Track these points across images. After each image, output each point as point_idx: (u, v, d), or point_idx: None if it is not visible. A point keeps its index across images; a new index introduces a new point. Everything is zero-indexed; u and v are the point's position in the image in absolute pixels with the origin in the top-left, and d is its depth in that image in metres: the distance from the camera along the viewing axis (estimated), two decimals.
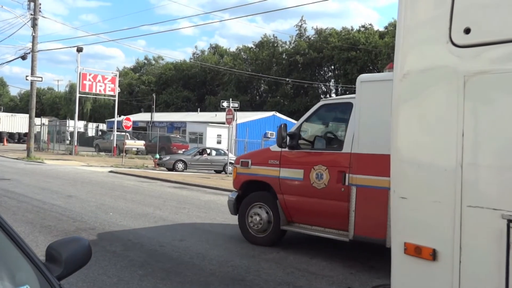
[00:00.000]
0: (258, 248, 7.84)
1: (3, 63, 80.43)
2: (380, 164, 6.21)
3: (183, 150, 33.43)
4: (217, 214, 11.37)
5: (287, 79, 57.32)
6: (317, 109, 7.90)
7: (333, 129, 8.05)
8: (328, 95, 64.44)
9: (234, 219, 8.26)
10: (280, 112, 51.57)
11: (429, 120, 2.78)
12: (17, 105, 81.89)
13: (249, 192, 8.42)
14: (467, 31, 2.60)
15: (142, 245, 7.73)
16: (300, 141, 7.86)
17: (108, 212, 10.91)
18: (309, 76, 60.31)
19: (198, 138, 40.97)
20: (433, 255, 2.69)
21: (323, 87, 64.10)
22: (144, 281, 5.87)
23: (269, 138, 42.26)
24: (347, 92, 57.03)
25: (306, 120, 8.02)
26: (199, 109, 57.59)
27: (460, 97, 2.60)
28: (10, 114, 58.29)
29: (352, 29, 61.24)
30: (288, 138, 7.70)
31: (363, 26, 60.64)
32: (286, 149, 7.83)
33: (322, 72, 64.83)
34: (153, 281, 5.89)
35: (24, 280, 2.10)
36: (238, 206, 8.48)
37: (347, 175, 6.87)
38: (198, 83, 71.89)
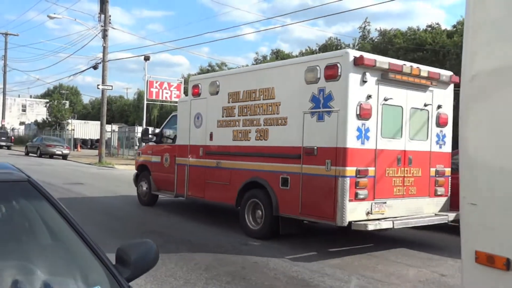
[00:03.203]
0: (323, 254, 7.78)
1: (76, 73, 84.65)
2: (184, 150, 10.93)
3: None
4: None
5: None
6: (170, 117, 12.36)
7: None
8: None
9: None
10: None
11: (501, 122, 2.63)
12: (90, 113, 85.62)
13: (142, 172, 12.82)
14: None
15: (208, 248, 7.89)
16: (164, 138, 12.28)
17: (175, 215, 11.18)
18: None
19: None
20: (507, 265, 2.55)
21: None
22: (209, 284, 5.98)
23: None
24: None
25: (166, 124, 12.59)
26: None
27: None
28: (83, 121, 61.22)
29: (418, 29, 59.28)
30: (154, 136, 12.56)
31: (429, 26, 58.55)
32: (155, 144, 12.47)
33: None
34: (218, 284, 5.98)
35: (95, 281, 2.22)
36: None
37: (176, 158, 11.17)
38: None
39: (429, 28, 57.51)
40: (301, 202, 7.99)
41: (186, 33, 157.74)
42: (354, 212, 7.44)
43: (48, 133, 50.38)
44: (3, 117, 56.54)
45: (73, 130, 51.73)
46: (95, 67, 30.05)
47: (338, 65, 7.59)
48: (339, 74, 7.56)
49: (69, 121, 55.59)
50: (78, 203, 12.41)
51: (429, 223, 8.53)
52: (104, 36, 29.05)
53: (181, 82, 39.94)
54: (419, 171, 8.46)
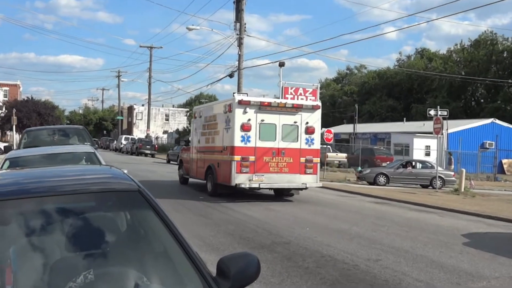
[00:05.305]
0: (465, 275, 7.04)
1: (214, 82, 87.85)
2: (191, 150, 19.20)
3: (387, 162, 31.44)
4: (419, 233, 10.43)
5: (510, 81, 50.39)
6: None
7: None
8: None
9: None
10: (500, 118, 45.22)
11: None
12: None
13: (181, 163, 21.20)
14: None
15: (335, 262, 7.46)
16: (189, 143, 19.76)
17: (304, 226, 10.77)
18: None
19: (404, 149, 38.37)
20: None
21: None
22: None
23: (488, 148, 37.07)
24: None
25: (190, 134, 21.18)
26: (405, 118, 54.00)
27: None
28: None
29: None
30: (185, 142, 21.68)
31: None
32: (185, 146, 20.93)
33: None
34: None
35: None
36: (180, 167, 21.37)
37: (191, 154, 19.00)
38: (404, 91, 67.47)
39: None
40: (222, 175, 15.09)
41: (323, 36, 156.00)
42: (240, 179, 14.32)
43: None
44: (148, 127, 60.54)
45: None
46: (231, 75, 30.44)
47: (231, 104, 14.72)
48: (232, 109, 14.67)
49: None
50: (210, 212, 12.64)
51: (288, 187, 15.32)
52: (240, 44, 29.35)
53: (316, 88, 38.95)
54: (291, 159, 14.79)
